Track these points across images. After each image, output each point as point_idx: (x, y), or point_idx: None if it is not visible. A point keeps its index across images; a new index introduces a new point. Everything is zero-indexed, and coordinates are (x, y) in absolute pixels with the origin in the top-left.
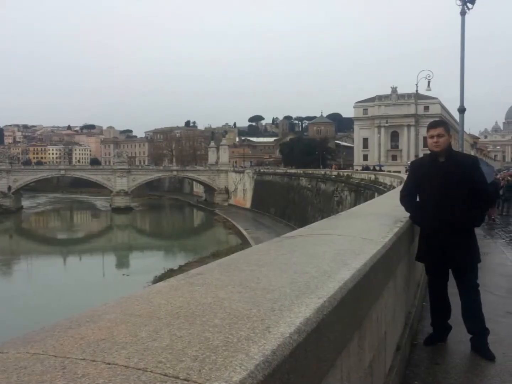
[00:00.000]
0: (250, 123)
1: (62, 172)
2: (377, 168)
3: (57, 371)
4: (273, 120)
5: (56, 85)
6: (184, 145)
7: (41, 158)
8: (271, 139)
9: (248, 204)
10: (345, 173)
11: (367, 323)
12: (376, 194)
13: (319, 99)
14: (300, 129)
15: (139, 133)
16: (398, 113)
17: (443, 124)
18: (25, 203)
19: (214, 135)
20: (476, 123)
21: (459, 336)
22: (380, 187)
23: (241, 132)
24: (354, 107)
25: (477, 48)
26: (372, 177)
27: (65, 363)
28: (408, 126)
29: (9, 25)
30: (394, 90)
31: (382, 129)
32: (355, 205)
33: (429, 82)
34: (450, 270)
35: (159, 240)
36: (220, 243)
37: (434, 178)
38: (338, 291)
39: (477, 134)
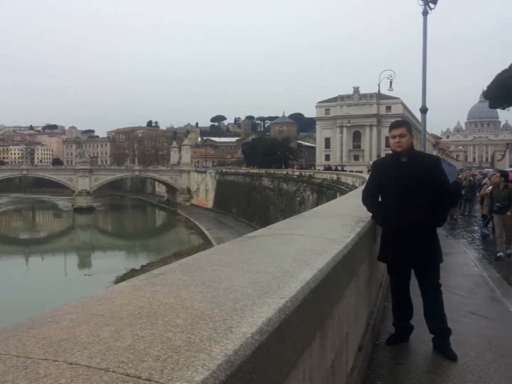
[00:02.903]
0: (212, 123)
1: (24, 172)
2: (339, 168)
3: (19, 371)
4: (235, 120)
5: (18, 84)
6: (146, 145)
7: (3, 158)
8: (233, 139)
9: (210, 204)
10: (307, 173)
11: (329, 323)
12: (338, 194)
13: (281, 99)
14: (262, 129)
15: (101, 133)
16: (360, 113)
17: (405, 124)
18: None
19: (176, 135)
20: (439, 123)
21: (422, 336)
22: (342, 187)
23: (203, 132)
24: (316, 107)
25: (440, 49)
26: (334, 177)
27: (27, 363)
28: (370, 126)
29: None
30: (356, 90)
31: (344, 129)
32: (317, 205)
33: (391, 82)
34: (412, 270)
35: (121, 240)
36: (182, 243)
37: (396, 178)
38: (300, 291)
39: (439, 134)
